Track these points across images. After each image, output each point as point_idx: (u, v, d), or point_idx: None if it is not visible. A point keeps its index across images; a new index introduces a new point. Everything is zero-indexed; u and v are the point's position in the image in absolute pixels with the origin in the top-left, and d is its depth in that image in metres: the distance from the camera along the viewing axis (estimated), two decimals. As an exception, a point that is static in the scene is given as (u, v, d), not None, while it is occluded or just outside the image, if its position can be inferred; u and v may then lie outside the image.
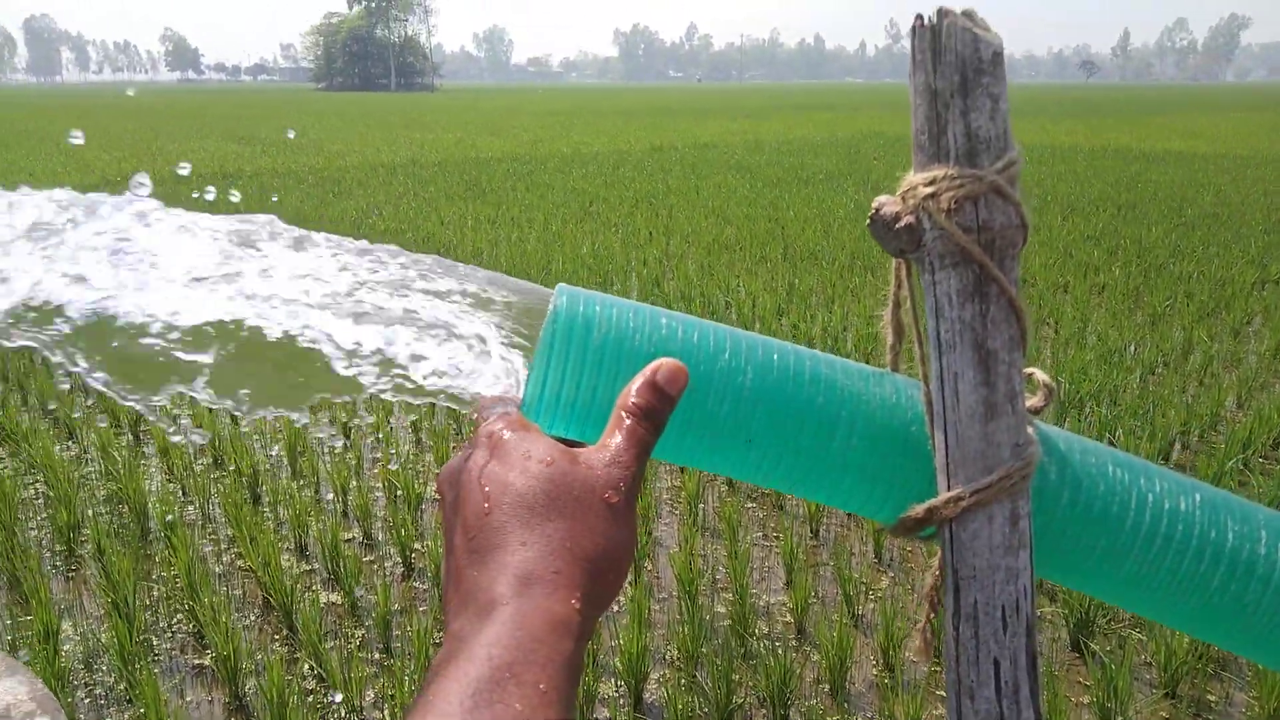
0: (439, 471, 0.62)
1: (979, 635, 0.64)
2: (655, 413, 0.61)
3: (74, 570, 3.65)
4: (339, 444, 4.71)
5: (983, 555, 0.64)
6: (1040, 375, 0.72)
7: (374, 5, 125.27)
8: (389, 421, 4.85)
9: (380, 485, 4.27)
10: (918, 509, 0.66)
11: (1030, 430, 0.67)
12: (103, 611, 3.29)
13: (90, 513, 3.99)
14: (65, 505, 3.85)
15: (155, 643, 3.18)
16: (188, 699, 2.93)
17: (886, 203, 0.68)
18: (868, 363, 0.74)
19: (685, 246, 9.42)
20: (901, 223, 0.65)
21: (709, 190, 13.57)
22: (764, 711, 2.85)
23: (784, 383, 0.67)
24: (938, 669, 3.02)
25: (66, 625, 3.24)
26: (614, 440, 0.59)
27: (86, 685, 2.98)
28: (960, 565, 0.65)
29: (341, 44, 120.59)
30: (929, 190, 0.64)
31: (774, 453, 0.67)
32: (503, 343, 0.68)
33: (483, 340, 0.67)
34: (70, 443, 4.77)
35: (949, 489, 0.65)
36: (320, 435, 4.77)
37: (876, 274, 8.04)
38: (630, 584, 3.36)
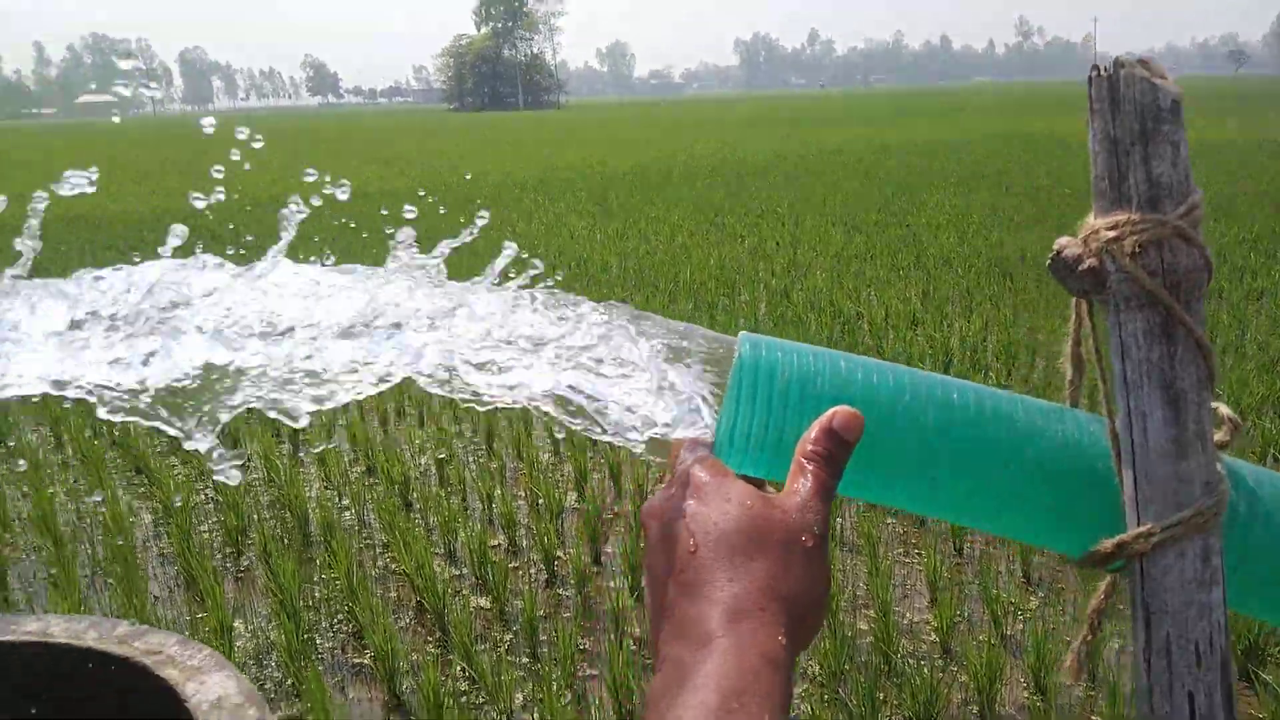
0: (643, 507, 0.67)
1: (1172, 669, 0.65)
2: (834, 458, 0.64)
3: (244, 571, 3.90)
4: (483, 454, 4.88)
5: (1175, 591, 0.65)
6: (1224, 410, 0.72)
7: (500, 26, 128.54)
8: (529, 433, 4.99)
9: (523, 494, 4.41)
10: (1107, 543, 0.67)
11: (1219, 467, 0.67)
12: (269, 611, 3.51)
13: (256, 517, 4.26)
14: (233, 510, 4.12)
15: (319, 641, 3.38)
16: (350, 696, 3.10)
17: (1067, 245, 0.70)
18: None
19: (813, 256, 9.35)
20: (1084, 265, 0.67)
21: (836, 198, 13.42)
22: (908, 729, 2.82)
23: (966, 421, 0.69)
24: (1092, 693, 2.93)
25: (238, 623, 3.47)
26: (801, 486, 0.63)
27: (257, 680, 3.18)
28: (1151, 600, 0.66)
29: (471, 65, 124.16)
30: (1112, 234, 0.66)
31: (958, 490, 0.70)
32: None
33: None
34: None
35: (1139, 524, 0.66)
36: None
37: (1015, 280, 7.80)
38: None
